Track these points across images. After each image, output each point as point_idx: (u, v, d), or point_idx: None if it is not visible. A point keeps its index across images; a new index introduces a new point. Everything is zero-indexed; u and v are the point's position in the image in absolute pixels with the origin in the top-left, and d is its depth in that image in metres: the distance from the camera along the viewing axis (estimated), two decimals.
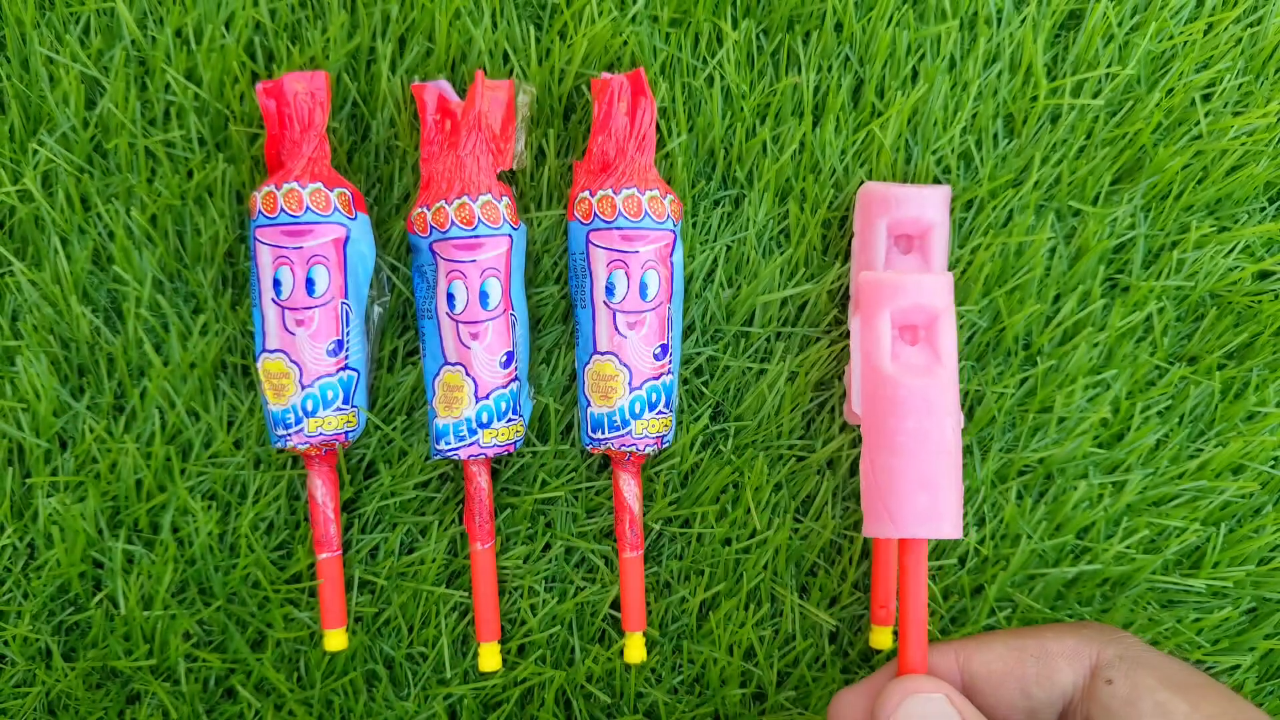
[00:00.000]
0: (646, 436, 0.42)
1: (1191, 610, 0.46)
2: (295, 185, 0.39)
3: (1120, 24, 0.45)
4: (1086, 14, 0.45)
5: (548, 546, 0.45)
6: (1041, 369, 0.45)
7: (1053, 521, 0.45)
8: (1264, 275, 0.46)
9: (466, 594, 0.44)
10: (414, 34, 0.43)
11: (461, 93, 0.43)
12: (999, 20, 0.45)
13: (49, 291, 0.43)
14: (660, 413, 0.42)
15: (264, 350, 0.40)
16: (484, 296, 0.40)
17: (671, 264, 0.41)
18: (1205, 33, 0.45)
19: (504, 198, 0.41)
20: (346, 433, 0.42)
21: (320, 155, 0.40)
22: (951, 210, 0.44)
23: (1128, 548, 0.45)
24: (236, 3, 0.42)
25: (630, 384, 0.41)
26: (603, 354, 0.41)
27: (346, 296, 0.41)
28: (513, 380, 0.41)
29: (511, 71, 0.43)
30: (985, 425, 0.45)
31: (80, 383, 0.43)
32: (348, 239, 0.40)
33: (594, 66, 0.43)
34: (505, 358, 0.41)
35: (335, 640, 0.43)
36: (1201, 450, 0.46)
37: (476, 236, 0.40)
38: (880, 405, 0.36)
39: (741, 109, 0.44)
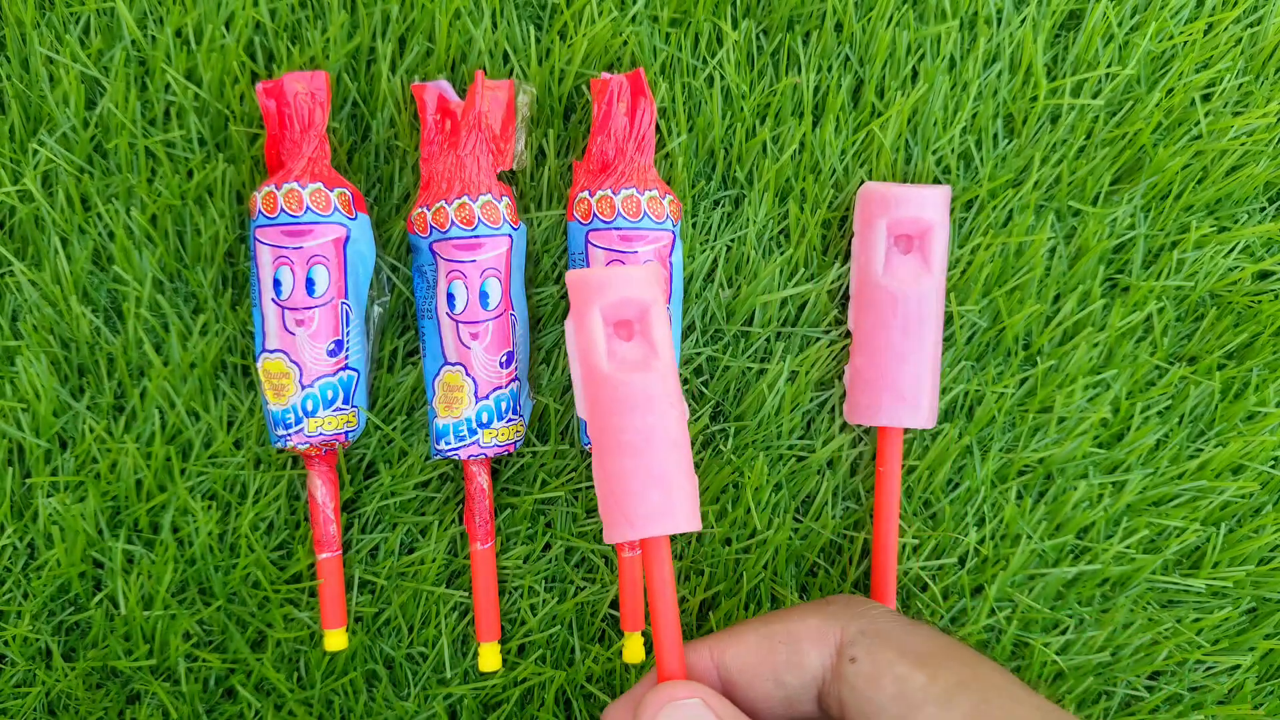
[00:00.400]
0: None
1: (1191, 610, 0.46)
2: (295, 185, 0.39)
3: (1120, 24, 0.45)
4: (1086, 14, 0.45)
5: (548, 546, 0.45)
6: (1041, 369, 0.45)
7: (1053, 521, 0.45)
8: (1264, 275, 0.46)
9: (466, 594, 0.44)
10: (414, 34, 0.43)
11: (461, 93, 0.43)
12: (999, 20, 0.45)
13: (49, 291, 0.43)
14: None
15: (264, 350, 0.40)
16: (484, 296, 0.40)
17: (671, 264, 0.41)
18: (1205, 33, 0.45)
19: (504, 198, 0.41)
20: (346, 433, 0.42)
21: (320, 155, 0.40)
22: (951, 210, 0.44)
23: (1127, 548, 0.45)
24: (236, 3, 0.42)
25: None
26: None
27: (346, 296, 0.41)
28: (513, 380, 0.41)
29: (511, 71, 0.43)
30: (985, 425, 0.45)
31: (80, 383, 0.43)
32: (348, 239, 0.40)
33: (594, 66, 0.43)
34: (505, 358, 0.41)
35: (335, 640, 0.43)
36: (1201, 450, 0.46)
37: (477, 237, 0.40)
38: (602, 405, 0.34)
39: (741, 109, 0.44)
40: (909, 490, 0.45)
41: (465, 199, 0.40)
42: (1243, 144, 0.45)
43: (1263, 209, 0.46)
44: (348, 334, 0.41)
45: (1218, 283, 0.45)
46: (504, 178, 0.43)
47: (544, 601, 0.45)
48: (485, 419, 0.41)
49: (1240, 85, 0.45)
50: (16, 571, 0.43)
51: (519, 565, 0.44)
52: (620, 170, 0.41)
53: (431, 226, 0.40)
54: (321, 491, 0.42)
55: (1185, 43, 0.45)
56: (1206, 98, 0.45)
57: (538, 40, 0.43)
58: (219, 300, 0.43)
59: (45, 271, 0.43)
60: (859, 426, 0.45)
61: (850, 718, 0.31)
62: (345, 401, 0.41)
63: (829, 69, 0.44)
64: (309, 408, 0.40)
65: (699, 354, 0.44)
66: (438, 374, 0.41)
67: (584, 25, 0.43)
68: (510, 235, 0.41)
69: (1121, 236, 0.45)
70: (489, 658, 0.43)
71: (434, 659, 0.44)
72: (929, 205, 0.42)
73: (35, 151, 0.42)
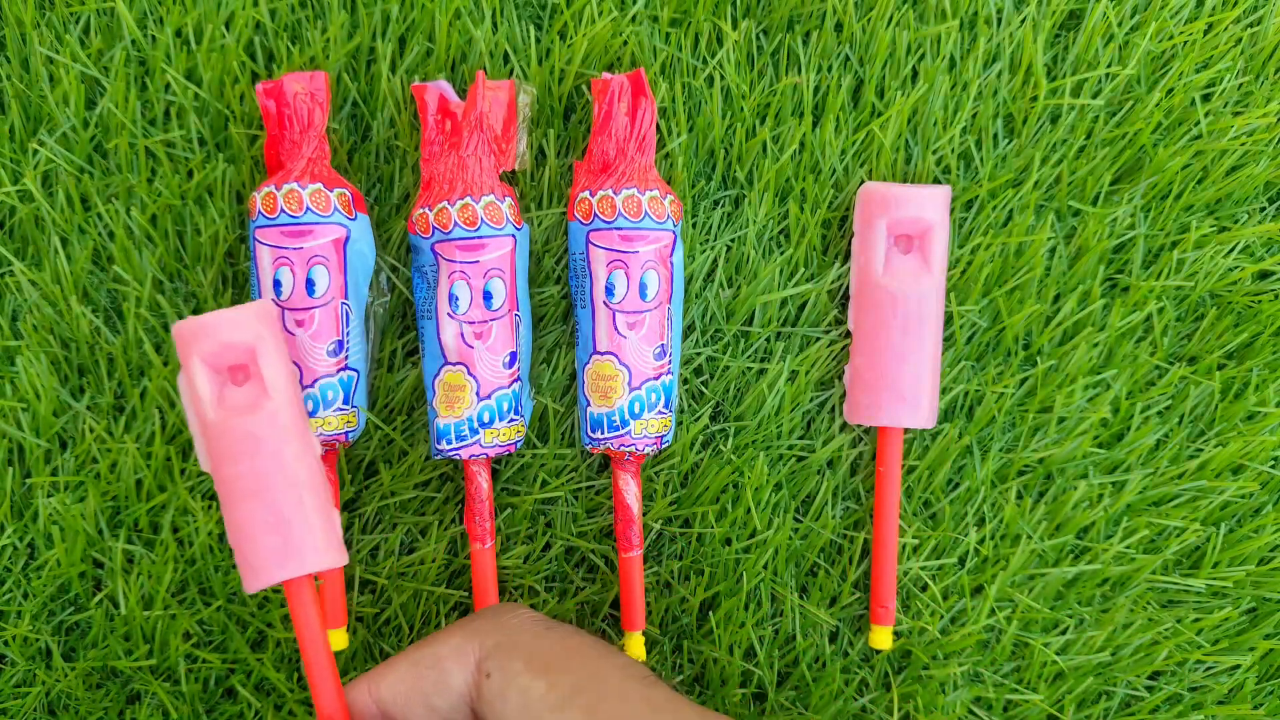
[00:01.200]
0: (646, 436, 0.41)
1: (1191, 610, 0.46)
2: (295, 186, 0.39)
3: (1120, 24, 0.45)
4: (1086, 14, 0.45)
5: (548, 546, 0.45)
6: (1041, 369, 0.45)
7: (1053, 521, 0.45)
8: (1264, 275, 0.46)
9: (466, 594, 0.44)
10: (414, 34, 0.43)
11: (462, 93, 0.43)
12: (999, 20, 0.45)
13: (49, 291, 0.43)
14: (660, 413, 0.41)
15: None
16: (488, 297, 0.41)
17: (671, 264, 0.41)
18: (1205, 33, 0.45)
19: (506, 198, 0.41)
20: (347, 433, 0.42)
21: (320, 156, 0.40)
22: (951, 210, 0.44)
23: (1127, 548, 0.45)
24: (236, 3, 0.42)
25: (630, 384, 0.41)
26: (602, 354, 0.41)
27: (346, 297, 0.41)
28: (515, 380, 0.42)
29: (512, 72, 0.43)
30: (985, 425, 0.45)
31: (80, 383, 0.43)
32: (348, 239, 0.40)
33: (594, 66, 0.43)
34: (509, 358, 0.41)
35: (337, 640, 0.43)
36: (1201, 450, 0.46)
37: (480, 237, 0.40)
38: (216, 454, 0.34)
39: (741, 109, 0.44)
40: (909, 490, 0.45)
41: (468, 199, 0.40)
42: (1243, 144, 0.45)
43: (1263, 209, 0.46)
44: (348, 334, 0.41)
45: (1218, 283, 0.45)
46: (505, 178, 0.43)
47: (544, 602, 0.45)
48: (487, 419, 0.41)
49: (1240, 85, 0.45)
50: (16, 571, 0.43)
51: (519, 565, 0.44)
52: (621, 170, 0.41)
53: (434, 227, 0.40)
54: None
55: (1185, 43, 0.45)
56: (1206, 98, 0.45)
57: (538, 40, 0.43)
58: (219, 300, 0.43)
59: (45, 271, 0.43)
60: (859, 426, 0.45)
61: None
62: (346, 402, 0.41)
63: (829, 69, 0.44)
64: (309, 408, 0.40)
65: (699, 354, 0.44)
66: (438, 374, 0.41)
67: (584, 25, 0.43)
68: (514, 235, 0.41)
69: (1121, 236, 0.45)
70: None
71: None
72: (929, 205, 0.42)
73: (35, 151, 0.42)
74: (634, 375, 0.41)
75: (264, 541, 0.33)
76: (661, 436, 0.42)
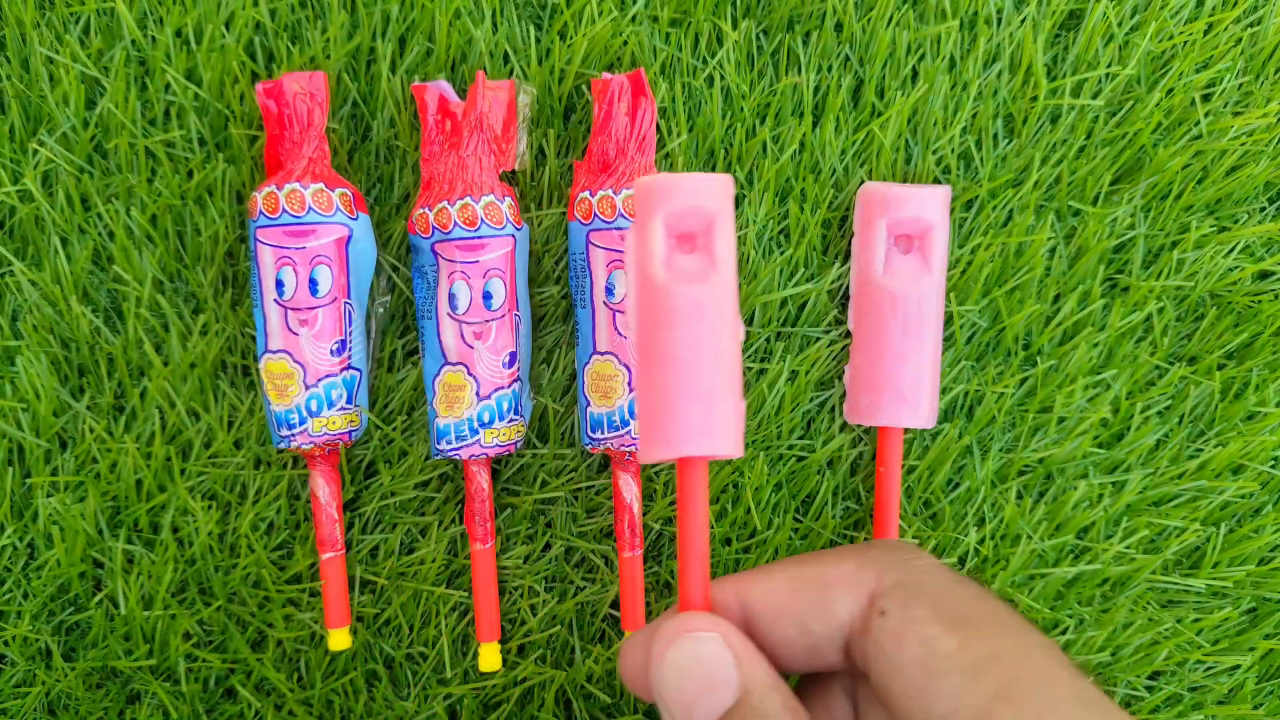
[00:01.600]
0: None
1: (1191, 610, 0.46)
2: (297, 186, 0.39)
3: (1120, 24, 0.45)
4: (1086, 14, 0.45)
5: (548, 546, 0.45)
6: (1041, 369, 0.45)
7: (1053, 521, 0.45)
8: (1263, 275, 0.46)
9: (466, 594, 0.44)
10: (414, 34, 0.43)
11: (462, 93, 0.43)
12: (999, 20, 0.45)
13: (49, 291, 0.43)
14: None
15: (266, 351, 0.40)
16: (488, 297, 0.41)
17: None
18: (1205, 33, 0.45)
19: (506, 198, 0.41)
20: (350, 432, 0.42)
21: (320, 156, 0.40)
22: (951, 210, 0.44)
23: (1127, 548, 0.45)
24: (237, 3, 0.42)
25: (630, 384, 0.41)
26: (602, 354, 0.41)
27: (349, 296, 0.41)
28: (515, 380, 0.42)
29: (512, 72, 0.43)
30: (985, 425, 0.45)
31: (80, 383, 0.43)
32: (350, 239, 0.40)
33: (594, 66, 0.43)
34: (509, 358, 0.41)
35: (339, 639, 0.43)
36: (1201, 450, 0.46)
37: (480, 237, 0.40)
38: (651, 316, 0.33)
39: (741, 109, 0.44)
40: (909, 490, 0.45)
41: (468, 200, 0.40)
42: (1242, 144, 0.45)
43: (1263, 209, 0.46)
44: (350, 333, 0.41)
45: (1218, 283, 0.45)
46: (505, 178, 0.43)
47: (544, 602, 0.45)
48: (487, 419, 0.41)
49: (1240, 85, 0.45)
50: (16, 571, 0.43)
51: (519, 565, 0.44)
52: (621, 170, 0.41)
53: (434, 227, 0.40)
54: (324, 491, 0.42)
55: (1185, 43, 0.45)
56: (1206, 98, 0.45)
57: (538, 40, 0.43)
58: (219, 300, 0.43)
59: (45, 271, 0.43)
60: (859, 426, 0.45)
61: (873, 676, 0.28)
62: (349, 401, 0.41)
63: (829, 69, 0.44)
64: (313, 408, 0.40)
65: None
66: (438, 374, 0.41)
67: (584, 25, 0.43)
68: (514, 235, 0.41)
69: (1121, 236, 0.45)
70: (489, 658, 0.43)
71: (434, 659, 0.44)
72: (929, 205, 0.42)
73: (35, 151, 0.42)
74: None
75: (683, 412, 0.32)
76: None
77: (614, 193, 0.40)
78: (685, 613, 0.30)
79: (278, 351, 0.40)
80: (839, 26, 0.44)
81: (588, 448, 0.43)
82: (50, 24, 0.43)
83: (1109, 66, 0.45)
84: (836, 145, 0.44)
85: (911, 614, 0.27)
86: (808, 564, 0.30)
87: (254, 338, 0.42)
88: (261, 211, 0.40)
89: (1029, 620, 0.28)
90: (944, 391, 0.44)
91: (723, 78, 0.44)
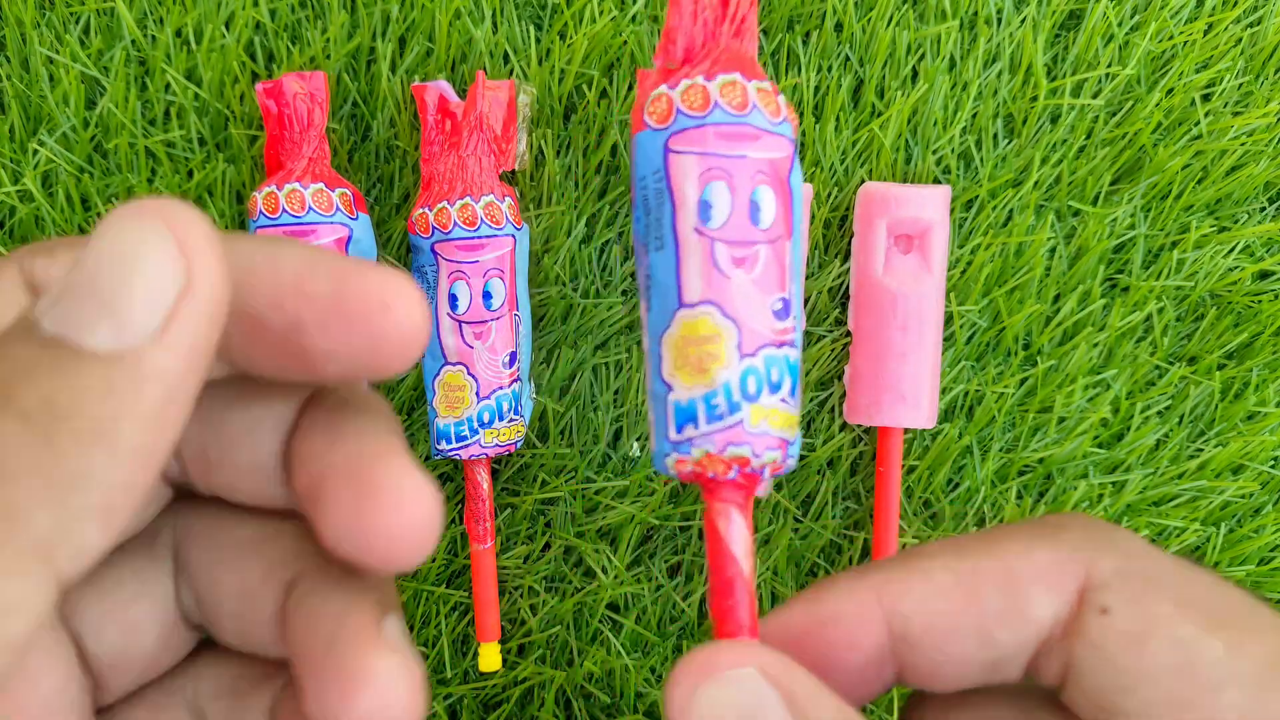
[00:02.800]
0: (766, 433, 0.24)
1: None
2: (297, 186, 0.39)
3: (1120, 24, 0.45)
4: (1086, 14, 0.45)
5: (547, 546, 0.45)
6: (1041, 369, 0.45)
7: None
8: (1264, 275, 0.46)
9: (466, 594, 0.44)
10: (414, 34, 0.43)
11: (461, 93, 0.43)
12: (999, 20, 0.45)
13: None
14: (784, 401, 0.25)
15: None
16: (487, 296, 0.41)
17: (791, 189, 0.26)
18: (1205, 33, 0.45)
19: (506, 198, 0.41)
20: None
21: (320, 156, 0.40)
22: (951, 210, 0.44)
23: None
24: (237, 3, 0.42)
25: (741, 347, 0.24)
26: (694, 306, 0.25)
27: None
28: (515, 380, 0.42)
29: (511, 72, 0.43)
30: (985, 425, 0.45)
31: None
32: (350, 239, 0.40)
33: (594, 66, 0.43)
34: (509, 358, 0.41)
35: (490, 657, 0.44)
36: (1201, 450, 0.46)
37: (479, 237, 0.40)
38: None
39: None
40: (909, 490, 0.45)
41: (468, 200, 0.40)
42: (1242, 144, 0.45)
43: (1263, 209, 0.46)
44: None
45: (1218, 283, 0.45)
46: (505, 178, 0.43)
47: (544, 602, 0.45)
48: (487, 419, 0.41)
49: (1240, 85, 0.45)
50: None
51: (519, 565, 0.44)
52: (715, 56, 0.27)
53: (433, 227, 0.40)
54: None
55: (1185, 43, 0.45)
56: (1206, 98, 0.45)
57: (538, 40, 0.43)
58: None
59: None
60: (859, 426, 0.45)
61: (1080, 689, 0.22)
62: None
63: (829, 69, 0.44)
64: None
65: None
66: (438, 374, 0.41)
67: (584, 25, 0.43)
68: (514, 235, 0.41)
69: (1121, 236, 0.45)
70: (489, 658, 0.43)
71: (434, 659, 0.44)
72: (929, 205, 0.42)
73: (35, 151, 0.42)
74: (746, 337, 0.24)
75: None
76: (787, 441, 0.25)
77: (706, 80, 0.26)
78: (717, 642, 0.22)
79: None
80: (839, 26, 0.44)
81: (667, 459, 0.25)
82: (50, 24, 0.43)
83: (1109, 66, 0.45)
84: (836, 145, 0.44)
85: (1151, 610, 0.21)
86: (977, 556, 0.23)
87: None
88: (261, 211, 0.40)
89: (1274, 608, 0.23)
90: (944, 391, 0.44)
91: None
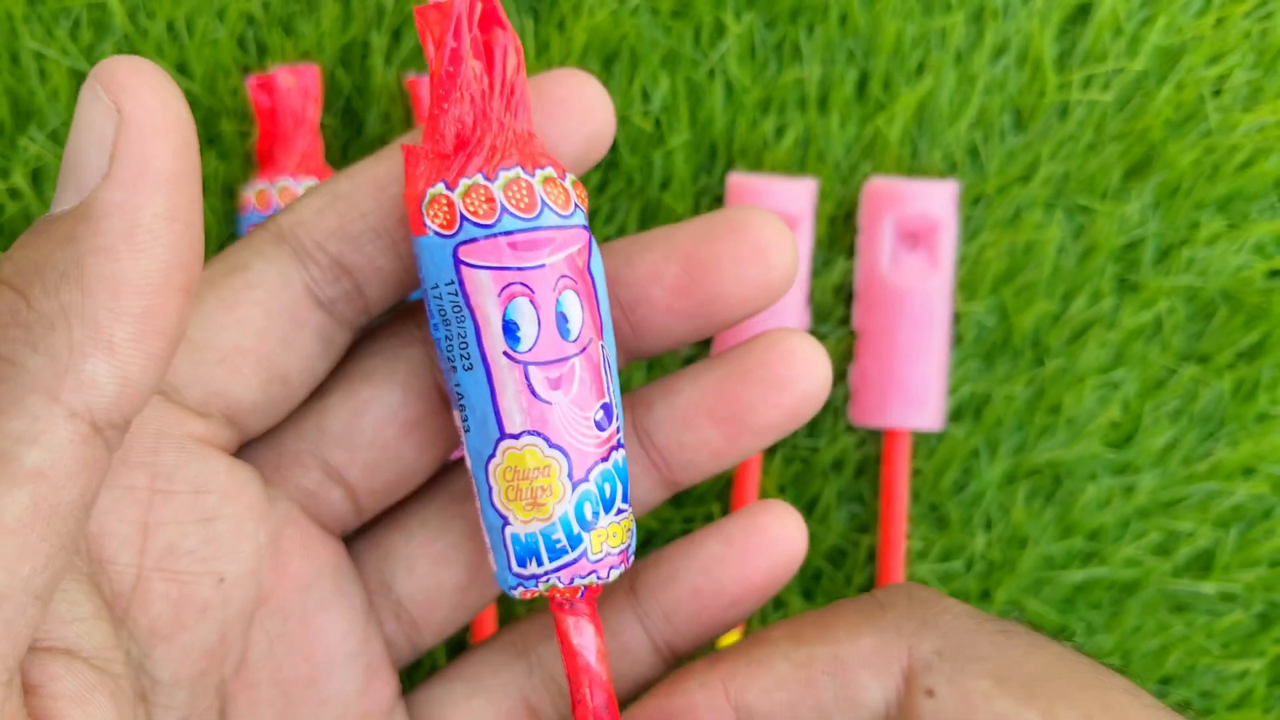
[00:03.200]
0: (609, 554, 0.25)
1: (1202, 614, 0.45)
2: (290, 181, 0.39)
3: (1129, 17, 0.44)
4: (1095, 7, 0.44)
5: None
6: (1050, 368, 0.44)
7: (1061, 524, 0.44)
8: (1275, 273, 0.45)
9: None
10: (409, 27, 0.42)
11: None
12: (1006, 13, 0.44)
13: None
14: (620, 512, 0.25)
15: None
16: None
17: (591, 277, 0.25)
18: (1215, 26, 0.45)
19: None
20: (629, 546, 0.31)
21: (313, 150, 0.40)
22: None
23: (1138, 551, 0.44)
24: None
25: (572, 475, 0.24)
26: (518, 437, 0.24)
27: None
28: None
29: None
30: (993, 426, 0.44)
31: None
32: None
33: (593, 59, 0.43)
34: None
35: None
36: (1211, 452, 0.45)
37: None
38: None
39: (743, 103, 0.43)
40: (915, 493, 0.44)
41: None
42: (1253, 140, 0.44)
43: (1274, 206, 0.45)
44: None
45: (1229, 280, 0.45)
46: None
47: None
48: (590, 514, 0.25)
49: (1250, 80, 0.45)
50: None
51: None
52: (491, 143, 0.24)
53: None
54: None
55: (1195, 37, 0.45)
56: (1217, 93, 0.45)
57: (535, 32, 0.43)
58: None
59: None
60: (864, 428, 0.44)
61: None
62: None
63: (833, 62, 0.44)
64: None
65: (700, 354, 0.44)
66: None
67: (583, 16, 0.42)
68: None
69: (1132, 233, 0.45)
70: None
71: (431, 660, 0.44)
72: (936, 201, 0.41)
73: (25, 148, 0.42)
74: (575, 461, 0.24)
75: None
76: (627, 548, 0.26)
77: (487, 180, 0.24)
78: None
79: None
80: (844, 19, 0.44)
81: (514, 592, 0.25)
82: (40, 17, 0.42)
83: (1118, 61, 0.44)
84: (841, 140, 0.44)
85: (970, 686, 0.22)
86: (811, 644, 0.24)
87: None
88: (253, 207, 0.39)
89: (1089, 658, 0.24)
90: (951, 391, 0.44)
91: (725, 71, 0.43)
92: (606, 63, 0.43)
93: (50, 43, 0.42)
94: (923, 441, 0.44)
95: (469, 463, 0.25)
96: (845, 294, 0.44)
